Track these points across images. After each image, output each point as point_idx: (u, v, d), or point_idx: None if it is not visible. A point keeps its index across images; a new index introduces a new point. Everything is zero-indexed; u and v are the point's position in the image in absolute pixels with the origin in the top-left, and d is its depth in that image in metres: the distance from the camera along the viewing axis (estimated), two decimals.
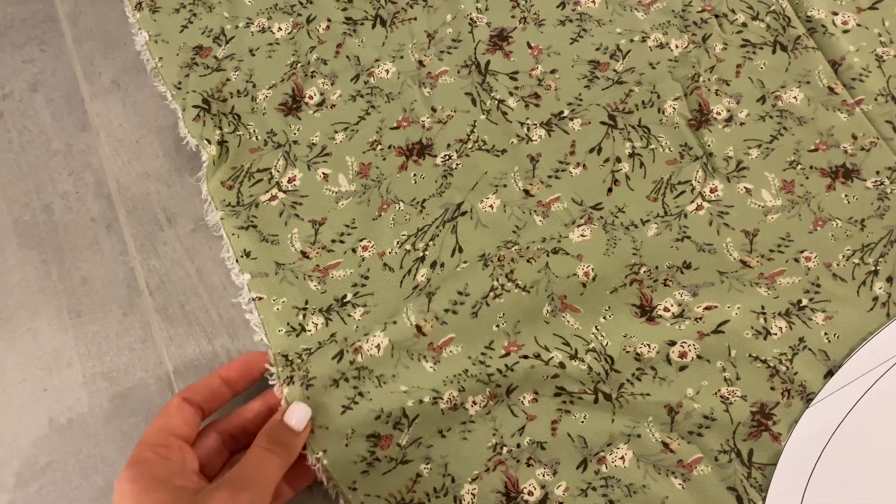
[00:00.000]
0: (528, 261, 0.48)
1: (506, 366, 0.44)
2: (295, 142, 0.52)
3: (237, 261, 0.48)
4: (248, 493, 0.36)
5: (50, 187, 0.52)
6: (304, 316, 0.47)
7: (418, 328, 0.45)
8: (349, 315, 0.47)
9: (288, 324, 0.46)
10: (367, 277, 0.48)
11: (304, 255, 0.49)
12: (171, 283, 0.50)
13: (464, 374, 0.44)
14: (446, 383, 0.44)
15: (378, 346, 0.45)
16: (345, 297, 0.47)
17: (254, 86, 0.54)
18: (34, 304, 0.49)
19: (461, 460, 0.44)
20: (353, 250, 0.49)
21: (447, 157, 0.51)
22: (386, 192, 0.50)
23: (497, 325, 0.46)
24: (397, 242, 0.49)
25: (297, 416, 0.42)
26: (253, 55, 0.55)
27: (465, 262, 0.48)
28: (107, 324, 0.49)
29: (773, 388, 0.44)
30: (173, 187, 0.52)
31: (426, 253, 0.48)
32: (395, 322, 0.45)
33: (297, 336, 0.46)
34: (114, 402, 0.47)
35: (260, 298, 0.47)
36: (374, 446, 0.43)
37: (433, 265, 0.48)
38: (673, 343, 0.45)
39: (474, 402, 0.44)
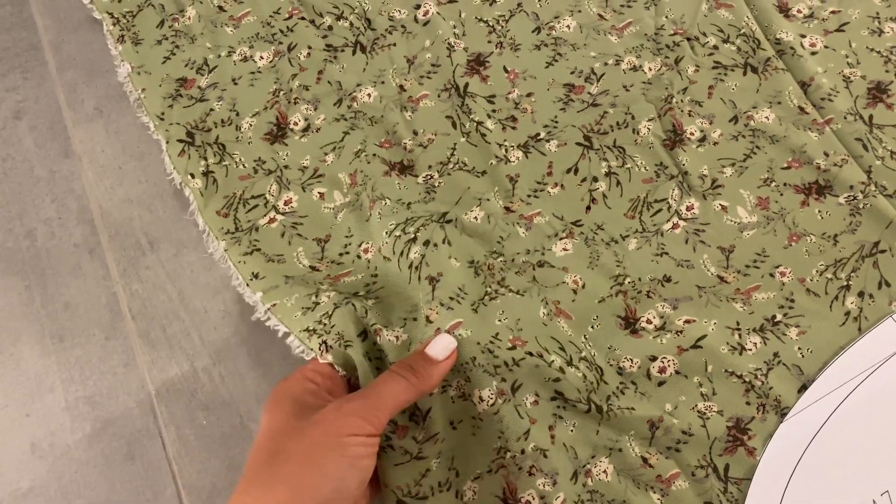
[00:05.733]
0: (515, 273, 0.48)
1: (513, 359, 0.44)
2: (286, 167, 0.53)
3: (247, 284, 0.48)
4: (359, 402, 0.37)
5: (33, 213, 0.53)
6: (317, 294, 0.46)
7: (426, 318, 0.45)
8: (361, 301, 0.46)
9: (303, 307, 0.46)
10: (376, 276, 0.48)
11: (314, 269, 0.49)
12: (154, 307, 0.50)
13: (472, 362, 0.44)
14: (453, 371, 0.44)
15: (397, 338, 0.45)
16: (356, 292, 0.47)
17: (237, 114, 0.54)
18: (17, 330, 0.49)
19: (467, 456, 0.44)
20: (359, 257, 0.49)
21: (429, 177, 0.52)
22: (372, 191, 0.51)
23: (499, 320, 0.46)
24: (386, 233, 0.49)
25: (438, 346, 0.41)
26: (235, 84, 0.55)
27: (455, 260, 0.48)
28: (89, 348, 0.49)
29: (748, 403, 0.45)
30: (156, 212, 0.53)
31: (417, 234, 0.49)
32: (415, 319, 0.45)
33: (312, 311, 0.46)
34: (96, 426, 0.47)
35: (274, 305, 0.47)
36: (392, 432, 0.43)
37: (426, 243, 0.48)
38: (654, 358, 0.46)
39: (481, 399, 0.44)
